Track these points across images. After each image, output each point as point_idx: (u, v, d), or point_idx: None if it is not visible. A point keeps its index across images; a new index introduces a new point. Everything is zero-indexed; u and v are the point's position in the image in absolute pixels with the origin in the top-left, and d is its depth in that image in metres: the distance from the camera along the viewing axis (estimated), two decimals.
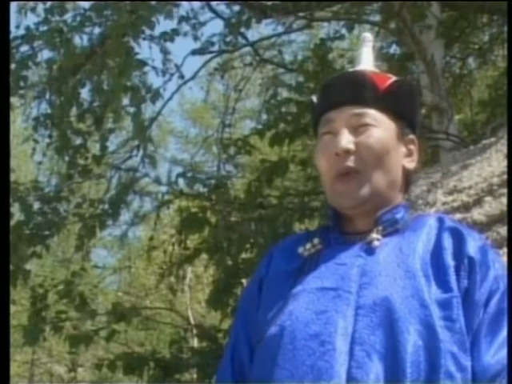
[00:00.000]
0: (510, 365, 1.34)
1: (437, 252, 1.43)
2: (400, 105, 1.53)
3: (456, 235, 1.46)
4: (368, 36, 1.64)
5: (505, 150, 2.58)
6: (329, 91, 1.54)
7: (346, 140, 1.46)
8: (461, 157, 2.97)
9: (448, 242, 1.45)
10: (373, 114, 1.48)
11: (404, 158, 1.53)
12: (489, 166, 2.57)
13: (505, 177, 2.41)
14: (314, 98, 1.58)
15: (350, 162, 1.46)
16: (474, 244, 1.44)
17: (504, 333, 1.37)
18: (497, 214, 2.35)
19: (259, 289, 1.51)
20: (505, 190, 2.34)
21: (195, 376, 6.42)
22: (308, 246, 1.49)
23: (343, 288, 1.38)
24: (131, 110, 5.47)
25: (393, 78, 1.54)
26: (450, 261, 1.42)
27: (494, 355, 1.35)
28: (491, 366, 1.35)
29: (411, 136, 1.55)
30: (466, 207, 2.46)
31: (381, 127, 1.49)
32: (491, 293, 1.40)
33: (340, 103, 1.50)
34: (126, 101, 5.50)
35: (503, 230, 2.27)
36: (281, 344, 1.37)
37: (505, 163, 2.48)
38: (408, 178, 1.55)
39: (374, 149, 1.47)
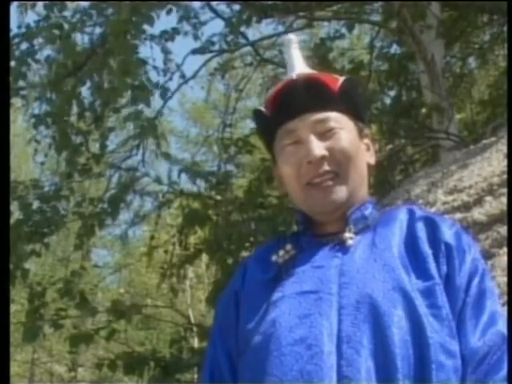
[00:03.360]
0: (510, 362, 1.34)
1: (412, 242, 1.44)
2: (354, 103, 1.55)
3: (429, 223, 1.47)
4: (293, 38, 1.63)
5: (505, 149, 2.58)
6: (283, 101, 1.52)
7: (318, 147, 1.46)
8: (461, 156, 2.97)
9: (422, 231, 1.45)
10: (335, 117, 1.49)
11: (365, 154, 1.55)
12: (489, 165, 2.58)
13: (505, 176, 2.41)
14: (264, 111, 1.55)
15: (327, 167, 1.47)
16: (448, 230, 1.45)
17: (487, 314, 1.38)
18: (497, 214, 2.35)
19: (235, 302, 1.50)
20: (505, 190, 2.35)
21: (196, 376, 6.42)
22: (281, 252, 1.49)
23: (324, 290, 1.38)
24: (133, 108, 5.46)
25: (341, 78, 1.54)
26: (427, 249, 1.42)
27: (480, 337, 1.36)
28: (479, 348, 1.36)
29: (366, 131, 1.57)
30: (466, 207, 2.46)
31: (345, 128, 1.50)
32: (471, 276, 1.41)
33: (299, 112, 1.49)
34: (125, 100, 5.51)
35: (503, 230, 2.27)
36: (267, 352, 1.36)
37: (505, 163, 2.49)
38: (369, 173, 1.56)
39: (346, 151, 1.48)
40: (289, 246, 1.50)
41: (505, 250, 2.19)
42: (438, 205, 2.53)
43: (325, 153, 1.46)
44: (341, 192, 1.47)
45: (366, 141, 1.57)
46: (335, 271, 1.40)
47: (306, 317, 1.36)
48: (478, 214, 2.39)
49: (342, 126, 1.50)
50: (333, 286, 1.38)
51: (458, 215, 2.42)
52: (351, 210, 1.48)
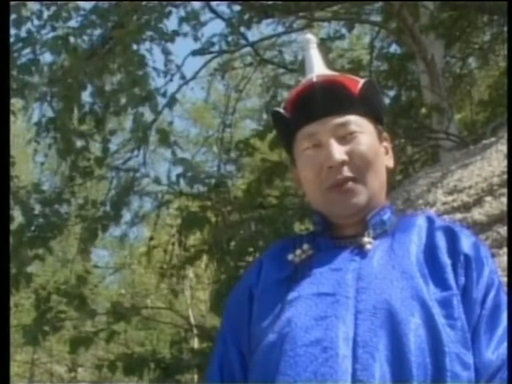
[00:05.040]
0: (510, 364, 1.34)
1: (431, 251, 1.44)
2: (374, 106, 1.54)
3: (449, 233, 1.46)
4: (312, 38, 1.61)
5: (505, 149, 2.58)
6: (303, 104, 1.50)
7: (338, 152, 1.45)
8: (461, 157, 2.97)
9: (442, 241, 1.45)
10: (355, 121, 1.48)
11: (384, 157, 1.54)
12: (489, 165, 2.58)
13: (505, 177, 2.41)
14: (284, 112, 1.53)
15: (347, 172, 1.46)
16: (467, 241, 1.45)
17: (502, 328, 1.38)
18: (497, 214, 2.35)
19: (249, 298, 1.48)
20: (505, 190, 2.35)
21: (196, 376, 6.42)
22: (298, 252, 1.48)
23: (341, 293, 1.37)
24: (134, 111, 5.49)
25: (361, 81, 1.53)
26: (446, 259, 1.42)
27: (494, 351, 1.36)
28: (492, 362, 1.35)
29: (385, 134, 1.56)
30: (466, 207, 2.46)
31: (365, 132, 1.49)
32: (487, 289, 1.41)
33: (319, 115, 1.48)
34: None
35: (503, 230, 2.27)
36: (281, 351, 1.35)
37: (505, 163, 2.49)
38: (388, 176, 1.55)
39: (366, 155, 1.47)
40: (306, 246, 1.48)
41: (505, 250, 2.19)
42: (438, 205, 2.53)
43: (345, 157, 1.45)
44: (361, 195, 1.46)
45: (385, 144, 1.55)
46: (353, 275, 1.39)
47: (322, 319, 1.35)
48: (477, 214, 2.39)
49: (363, 129, 1.48)
50: (350, 290, 1.37)
51: (458, 215, 2.42)
52: (370, 214, 1.47)
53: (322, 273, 1.43)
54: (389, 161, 1.55)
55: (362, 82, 1.52)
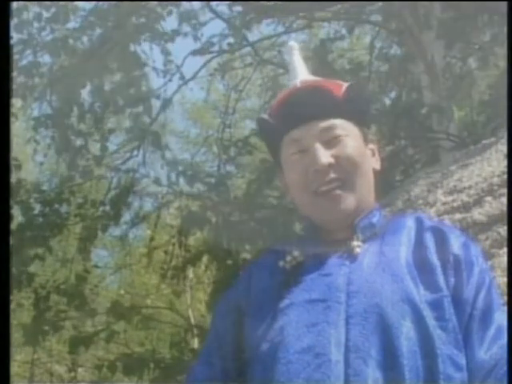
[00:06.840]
0: (510, 365, 1.34)
1: (420, 253, 1.43)
2: (359, 109, 1.54)
3: (438, 234, 1.46)
4: (294, 45, 1.63)
5: (505, 149, 2.58)
6: (288, 109, 1.50)
7: (324, 155, 1.45)
8: (461, 157, 2.97)
9: (431, 242, 1.45)
10: (340, 124, 1.48)
11: (371, 160, 1.54)
12: (489, 165, 2.58)
13: (505, 177, 2.41)
14: (269, 119, 1.54)
15: (333, 174, 1.45)
16: (456, 241, 1.45)
17: (494, 327, 1.38)
18: (497, 214, 2.35)
19: (239, 308, 1.48)
20: (505, 190, 2.35)
21: None
22: (288, 258, 1.48)
23: (332, 299, 1.37)
24: (132, 110, 5.51)
25: (345, 84, 1.53)
26: (435, 260, 1.41)
27: (486, 351, 1.36)
28: (485, 361, 1.35)
29: (371, 136, 1.57)
30: (466, 207, 2.46)
31: (351, 135, 1.49)
32: (478, 288, 1.40)
33: (304, 120, 1.48)
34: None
35: (503, 230, 2.27)
36: (274, 359, 1.35)
37: (505, 163, 2.49)
38: (375, 178, 1.55)
39: (353, 158, 1.47)
40: (296, 252, 1.48)
41: (505, 250, 2.19)
42: (438, 205, 2.53)
43: (331, 160, 1.45)
44: (349, 201, 1.46)
45: (371, 146, 1.56)
46: (343, 280, 1.39)
47: (314, 325, 1.35)
48: (477, 214, 2.39)
49: (348, 132, 1.49)
50: (341, 295, 1.37)
51: (458, 216, 2.42)
52: (359, 217, 1.47)
53: (313, 279, 1.42)
54: (376, 163, 1.55)
55: (345, 85, 1.53)
